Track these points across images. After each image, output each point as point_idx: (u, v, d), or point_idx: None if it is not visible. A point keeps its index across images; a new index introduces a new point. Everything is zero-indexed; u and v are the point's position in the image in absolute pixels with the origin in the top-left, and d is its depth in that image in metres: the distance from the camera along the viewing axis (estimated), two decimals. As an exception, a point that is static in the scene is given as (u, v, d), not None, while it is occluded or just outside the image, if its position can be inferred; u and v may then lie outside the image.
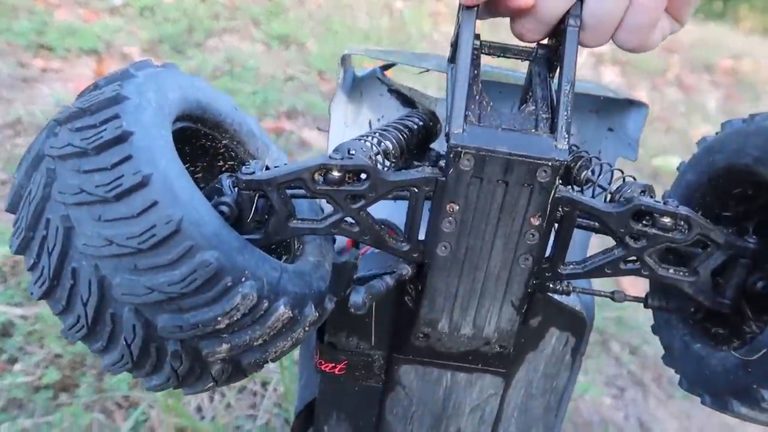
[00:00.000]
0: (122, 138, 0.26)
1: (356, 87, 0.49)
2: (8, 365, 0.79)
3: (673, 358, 0.36)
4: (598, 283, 0.39)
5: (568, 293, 0.35)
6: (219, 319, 0.26)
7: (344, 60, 0.45)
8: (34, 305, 0.86)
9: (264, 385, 0.86)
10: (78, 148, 0.26)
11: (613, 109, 0.48)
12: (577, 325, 0.40)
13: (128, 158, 0.26)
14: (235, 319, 0.26)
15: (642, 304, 0.37)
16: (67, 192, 0.26)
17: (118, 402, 0.79)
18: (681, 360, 0.35)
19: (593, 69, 2.46)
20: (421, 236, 0.32)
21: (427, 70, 0.44)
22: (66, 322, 0.27)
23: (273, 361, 0.30)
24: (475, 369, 0.37)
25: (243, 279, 0.26)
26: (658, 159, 1.92)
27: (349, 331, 0.39)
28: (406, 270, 0.32)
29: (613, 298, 0.36)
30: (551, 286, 0.35)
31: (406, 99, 0.49)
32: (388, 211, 0.41)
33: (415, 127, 0.42)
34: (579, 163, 0.36)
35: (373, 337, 0.36)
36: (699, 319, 0.35)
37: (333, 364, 0.40)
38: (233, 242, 0.27)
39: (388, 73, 0.50)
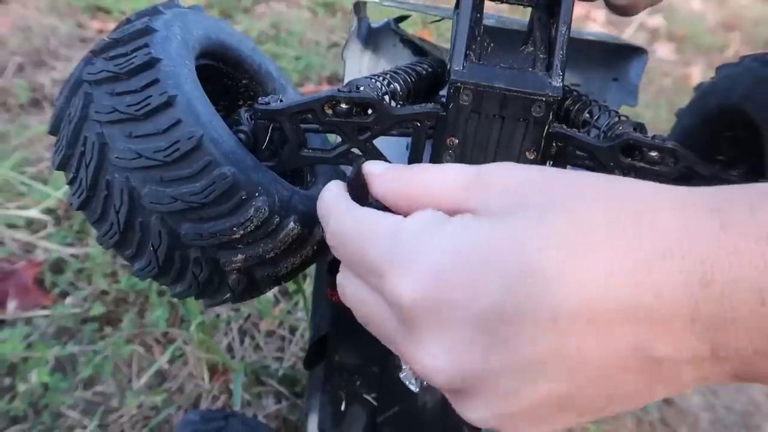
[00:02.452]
0: (150, 64, 0.29)
1: (371, 38, 0.51)
2: (60, 298, 0.86)
3: None
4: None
5: None
6: (234, 229, 0.28)
7: (356, 7, 0.46)
8: (84, 245, 0.93)
9: (293, 331, 0.90)
10: (111, 73, 0.29)
11: (616, 58, 0.49)
12: None
13: (155, 81, 0.28)
14: (249, 230, 0.29)
15: None
16: (102, 112, 0.28)
17: (157, 337, 0.85)
18: None
19: (647, 45, 2.38)
20: None
21: (440, 19, 0.46)
22: (100, 230, 0.30)
23: (285, 279, 0.33)
24: None
25: (256, 194, 0.29)
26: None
27: None
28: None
29: None
30: None
31: (418, 48, 0.51)
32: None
33: (424, 72, 0.43)
34: (577, 106, 0.37)
35: None
36: None
37: None
38: (248, 161, 0.30)
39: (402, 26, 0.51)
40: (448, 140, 0.31)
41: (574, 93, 0.37)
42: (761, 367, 0.19)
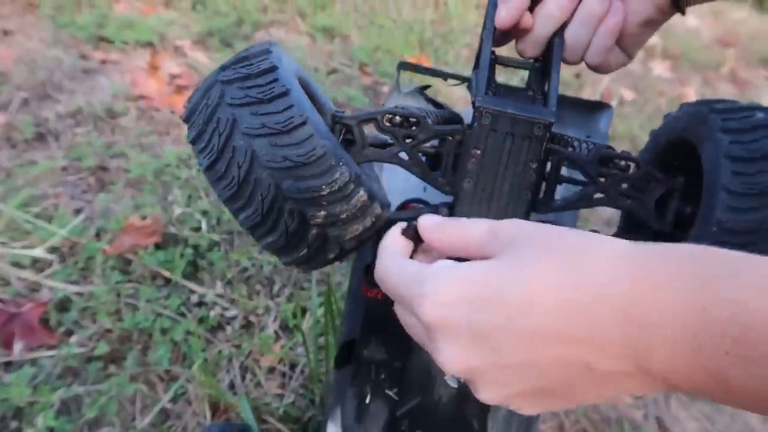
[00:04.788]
0: (272, 69, 0.39)
1: (401, 99, 0.64)
2: (65, 337, 0.88)
3: None
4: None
5: None
6: (323, 187, 0.37)
7: (400, 66, 0.60)
8: (89, 283, 0.95)
9: (293, 367, 0.92)
10: (242, 74, 0.39)
11: (587, 116, 0.62)
12: None
13: (276, 79, 0.38)
14: (333, 189, 0.37)
15: None
16: (236, 98, 0.38)
17: (160, 375, 0.87)
18: None
19: (643, 63, 2.41)
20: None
21: (462, 82, 0.61)
22: (220, 185, 0.38)
23: (346, 246, 0.40)
24: None
25: (341, 163, 0.37)
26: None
27: None
28: (445, 209, 0.45)
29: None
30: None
31: (438, 106, 0.64)
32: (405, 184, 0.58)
33: (444, 117, 0.56)
34: (562, 142, 0.49)
35: None
36: None
37: (377, 291, 0.51)
38: (336, 141, 0.39)
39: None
40: (472, 151, 0.42)
41: (561, 135, 0.49)
42: (680, 382, 0.26)
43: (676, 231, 0.47)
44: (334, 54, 1.85)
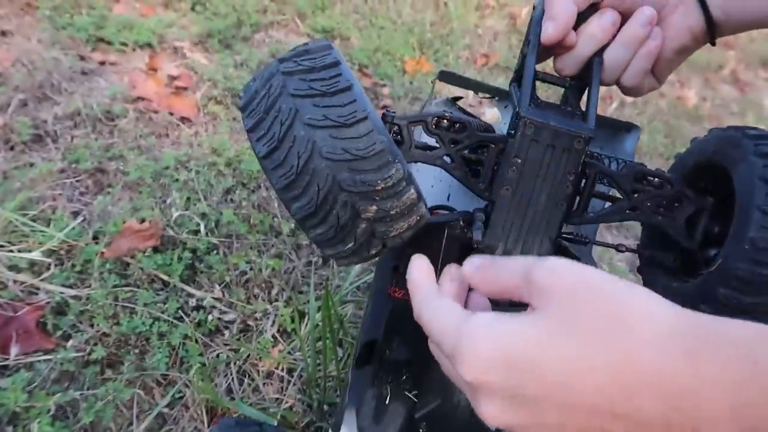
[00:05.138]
0: (336, 63, 0.39)
1: (433, 109, 0.65)
2: (62, 341, 0.87)
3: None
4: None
5: (585, 243, 0.49)
6: (378, 181, 0.37)
7: (439, 75, 0.63)
8: (86, 287, 0.94)
9: (291, 372, 0.91)
10: (306, 67, 0.38)
11: (612, 137, 0.63)
12: None
13: (339, 74, 0.38)
14: (388, 185, 0.37)
15: (637, 254, 0.51)
16: (299, 89, 0.37)
17: (158, 379, 0.86)
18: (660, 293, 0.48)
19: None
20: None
21: (492, 97, 0.64)
22: (277, 174, 0.38)
23: (389, 243, 0.39)
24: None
25: (396, 160, 0.37)
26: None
27: None
28: (481, 215, 0.45)
29: (617, 249, 0.50)
30: (574, 237, 0.48)
31: (470, 117, 0.66)
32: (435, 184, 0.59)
33: (482, 126, 0.59)
34: (595, 158, 0.50)
35: (439, 269, 0.45)
36: (675, 268, 0.49)
37: (404, 291, 0.51)
38: (392, 139, 0.39)
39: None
40: (513, 159, 0.42)
41: (591, 151, 0.50)
42: None
43: (702, 248, 0.48)
44: (333, 55, 1.85)
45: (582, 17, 0.48)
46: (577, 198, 0.46)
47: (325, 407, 0.87)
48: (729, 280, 0.41)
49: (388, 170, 0.37)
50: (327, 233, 0.39)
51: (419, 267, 0.39)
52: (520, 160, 0.42)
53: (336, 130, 0.36)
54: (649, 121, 1.98)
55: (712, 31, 0.49)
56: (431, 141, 0.45)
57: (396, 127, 0.44)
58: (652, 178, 0.45)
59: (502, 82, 1.96)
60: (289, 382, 0.90)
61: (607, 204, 0.48)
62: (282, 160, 0.37)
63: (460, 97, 0.67)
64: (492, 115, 0.65)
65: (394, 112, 0.44)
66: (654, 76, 0.51)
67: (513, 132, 0.43)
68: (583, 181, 0.46)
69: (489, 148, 0.44)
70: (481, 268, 0.36)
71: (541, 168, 0.42)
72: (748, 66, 2.66)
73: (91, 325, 0.89)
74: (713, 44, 0.51)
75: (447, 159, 0.44)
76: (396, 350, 0.53)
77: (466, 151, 0.44)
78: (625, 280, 0.31)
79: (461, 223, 0.47)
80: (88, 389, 0.82)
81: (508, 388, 0.29)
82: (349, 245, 0.39)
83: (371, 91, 1.74)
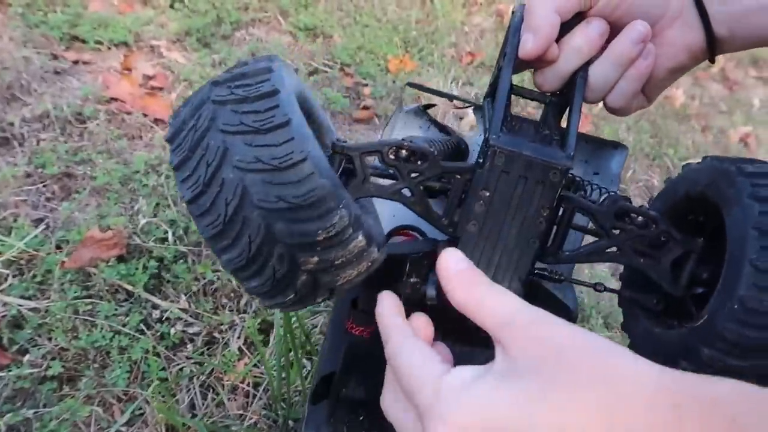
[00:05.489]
0: (273, 93, 0.35)
1: (402, 117, 0.62)
2: (18, 356, 0.84)
3: (635, 339, 0.46)
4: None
5: (560, 281, 0.45)
6: (319, 232, 0.33)
7: (408, 86, 0.60)
8: (46, 299, 0.91)
9: (256, 386, 0.89)
10: (239, 96, 0.35)
11: (598, 154, 0.59)
12: (564, 316, 0.45)
13: (276, 106, 0.34)
14: (330, 235, 0.33)
15: (617, 296, 0.47)
16: (229, 124, 0.34)
17: (118, 396, 0.84)
18: (642, 339, 0.45)
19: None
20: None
21: (467, 106, 0.60)
22: (203, 222, 0.34)
23: (337, 291, 0.36)
24: (479, 341, 0.42)
25: (341, 206, 0.33)
26: (689, 162, 1.85)
27: None
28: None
29: (595, 288, 0.46)
30: (547, 274, 0.44)
31: (442, 128, 0.62)
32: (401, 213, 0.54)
33: (451, 146, 0.53)
34: (575, 185, 0.46)
35: (402, 298, 0.42)
36: (658, 311, 0.45)
37: (362, 329, 0.48)
38: (336, 179, 0.35)
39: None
40: (480, 192, 0.38)
41: (572, 175, 0.45)
42: None
43: (688, 295, 0.44)
44: (315, 54, 1.81)
45: (566, 26, 0.43)
46: (552, 233, 0.42)
47: (291, 423, 0.84)
48: (714, 341, 0.37)
49: (330, 218, 0.33)
50: (263, 286, 0.35)
51: (390, 306, 0.36)
52: (488, 193, 0.38)
53: (270, 174, 0.32)
54: (636, 120, 1.95)
55: (713, 48, 0.44)
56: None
57: (348, 158, 0.39)
58: (635, 216, 0.41)
59: (487, 82, 1.93)
60: (254, 396, 0.88)
61: (588, 238, 0.44)
62: (209, 206, 0.33)
63: (433, 105, 0.64)
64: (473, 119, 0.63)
65: (345, 141, 0.40)
66: (644, 94, 0.47)
67: (482, 161, 0.38)
68: (559, 214, 0.41)
69: (454, 179, 0.39)
70: (462, 277, 0.33)
71: (511, 202, 0.38)
72: (737, 64, 2.64)
73: (50, 339, 0.87)
74: (712, 62, 0.46)
75: (407, 192, 0.40)
76: (353, 388, 0.50)
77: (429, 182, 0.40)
78: (604, 338, 0.29)
79: (422, 259, 0.42)
80: (44, 407, 0.80)
81: None
82: (290, 297, 0.36)
83: (353, 90, 1.71)
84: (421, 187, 0.40)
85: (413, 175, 0.39)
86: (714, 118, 2.21)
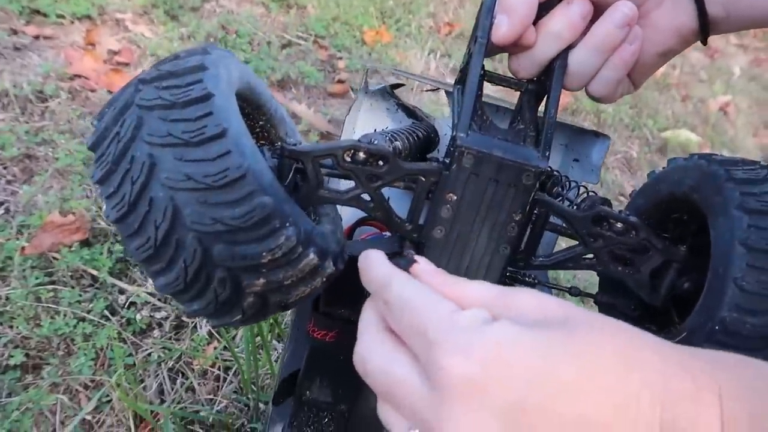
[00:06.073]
0: (206, 98, 0.31)
1: (367, 99, 0.58)
2: (-21, 345, 0.82)
3: None
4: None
5: (533, 285, 0.42)
6: (264, 254, 0.30)
7: (369, 72, 0.56)
8: (6, 286, 0.89)
9: (227, 370, 0.87)
10: (167, 101, 0.31)
11: (579, 141, 0.57)
12: None
13: (209, 113, 0.30)
14: (276, 256, 0.31)
15: (593, 300, 0.45)
16: (155, 134, 0.30)
17: (85, 383, 0.82)
18: None
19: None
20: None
21: (437, 89, 0.55)
22: (132, 244, 0.31)
23: (290, 306, 0.34)
24: None
25: (287, 224, 0.31)
26: (668, 132, 1.84)
27: (345, 303, 0.45)
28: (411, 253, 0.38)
29: (570, 293, 0.44)
30: (520, 278, 0.42)
31: (411, 113, 0.57)
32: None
33: (420, 136, 0.49)
34: (551, 180, 0.43)
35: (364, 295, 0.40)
36: (636, 317, 0.43)
37: (325, 332, 0.46)
38: (282, 194, 0.32)
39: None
40: (447, 196, 0.35)
41: (549, 168, 0.41)
42: None
43: (668, 311, 0.41)
44: (289, 26, 1.76)
45: (545, 6, 0.39)
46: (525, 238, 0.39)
47: (261, 406, 0.83)
48: None
49: (275, 239, 0.30)
50: (205, 309, 0.32)
51: (383, 256, 0.32)
52: (456, 197, 0.35)
53: (202, 194, 0.29)
54: (616, 91, 1.94)
55: (706, 30, 0.41)
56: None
57: (299, 164, 0.36)
58: (614, 222, 0.38)
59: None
60: (225, 380, 0.86)
61: (562, 242, 0.42)
62: (137, 228, 0.30)
63: (401, 84, 0.61)
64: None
65: (295, 144, 0.36)
66: (630, 79, 0.44)
67: (449, 161, 0.35)
68: (533, 218, 0.38)
69: (419, 181, 0.36)
70: (440, 276, 0.31)
71: (481, 206, 0.35)
72: (721, 38, 2.62)
73: (11, 327, 0.84)
74: (704, 44, 0.43)
75: (366, 197, 0.36)
76: (316, 391, 0.48)
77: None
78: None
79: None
80: (6, 397, 0.78)
81: (503, 395, 0.24)
82: (237, 318, 0.33)
83: (327, 63, 1.67)
84: (381, 193, 0.36)
85: (372, 179, 0.36)
86: (694, 88, 2.20)
